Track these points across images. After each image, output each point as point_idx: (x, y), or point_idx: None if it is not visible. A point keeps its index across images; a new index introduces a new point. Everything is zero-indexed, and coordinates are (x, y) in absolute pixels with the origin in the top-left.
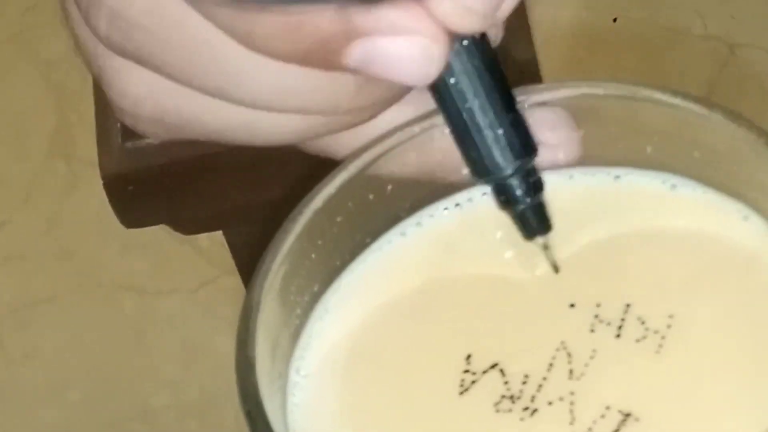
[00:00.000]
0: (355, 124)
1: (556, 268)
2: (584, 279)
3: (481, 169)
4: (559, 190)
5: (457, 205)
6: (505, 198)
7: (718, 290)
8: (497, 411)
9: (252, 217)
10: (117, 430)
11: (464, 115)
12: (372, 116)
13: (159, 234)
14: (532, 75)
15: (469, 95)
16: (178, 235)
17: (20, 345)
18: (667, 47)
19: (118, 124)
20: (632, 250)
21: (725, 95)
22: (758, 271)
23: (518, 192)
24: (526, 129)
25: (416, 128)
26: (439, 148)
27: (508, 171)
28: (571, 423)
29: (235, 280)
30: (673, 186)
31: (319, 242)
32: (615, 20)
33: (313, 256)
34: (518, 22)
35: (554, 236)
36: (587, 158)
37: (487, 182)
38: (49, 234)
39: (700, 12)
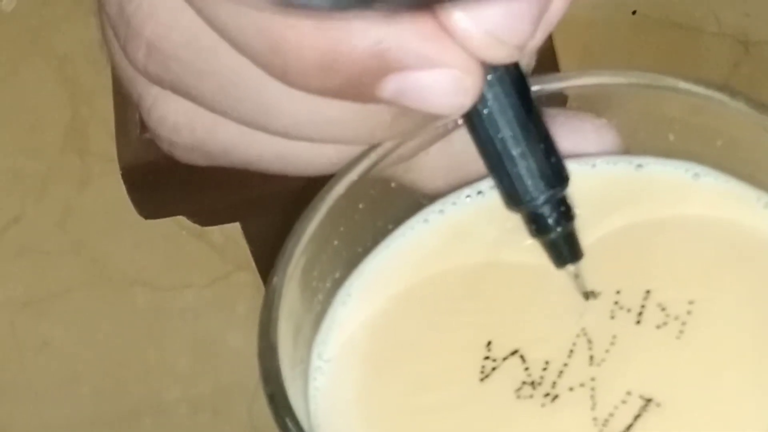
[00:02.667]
0: None
1: (586, 296)
2: (605, 266)
3: (514, 198)
4: (582, 178)
5: (479, 192)
6: (536, 227)
7: (738, 277)
8: (518, 397)
9: (270, 208)
10: (129, 423)
11: (497, 144)
12: (407, 139)
13: (172, 229)
14: (550, 66)
15: (502, 125)
16: (191, 230)
17: (33, 338)
18: (681, 45)
19: (137, 116)
20: (653, 237)
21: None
22: None
23: (550, 221)
24: (559, 158)
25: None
26: (461, 146)
27: (540, 200)
28: (593, 408)
29: (248, 276)
30: (696, 175)
31: (342, 228)
32: (634, 13)
33: (335, 242)
34: None
35: (577, 224)
36: (622, 145)
37: (519, 211)
38: (62, 228)
39: (714, 10)
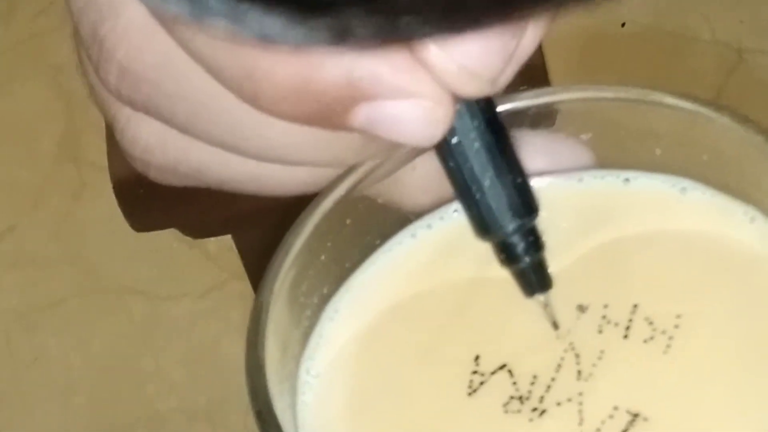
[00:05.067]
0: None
1: (555, 326)
2: (592, 280)
3: (482, 228)
4: (569, 192)
5: None
6: (505, 256)
7: (725, 291)
8: (506, 412)
9: (261, 220)
10: None
11: (465, 174)
12: (381, 160)
13: (167, 238)
14: (540, 80)
15: (470, 155)
16: (186, 239)
17: (28, 349)
18: (675, 52)
19: None
20: (640, 251)
21: (733, 100)
22: (764, 271)
23: (518, 250)
24: (528, 188)
25: None
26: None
27: (509, 230)
28: (580, 423)
29: (243, 285)
30: (683, 189)
31: (329, 244)
32: (623, 25)
33: (322, 257)
34: None
35: (564, 237)
36: (597, 161)
37: (488, 240)
38: (57, 238)
39: (708, 17)
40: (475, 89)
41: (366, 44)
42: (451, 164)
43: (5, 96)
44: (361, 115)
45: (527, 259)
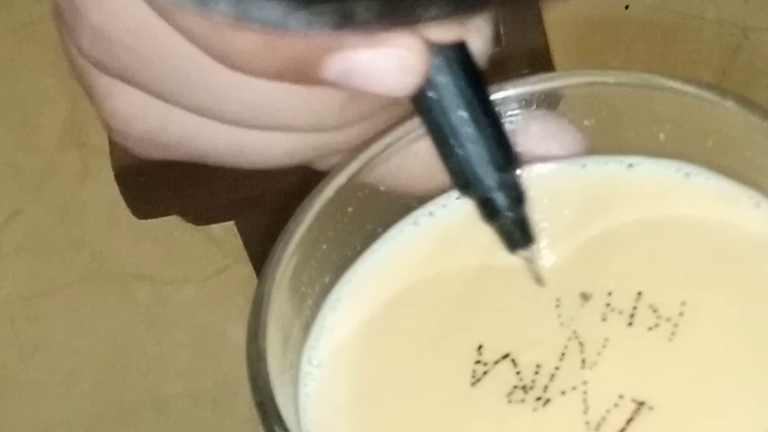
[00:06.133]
0: (345, 146)
1: (539, 281)
2: (595, 268)
3: (463, 182)
4: (573, 178)
5: None
6: (487, 211)
7: (730, 277)
8: (510, 401)
9: (263, 206)
10: (130, 418)
11: (444, 128)
12: (361, 137)
13: (172, 223)
14: (544, 63)
15: (449, 108)
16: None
17: (33, 334)
18: (680, 32)
19: None
20: (644, 238)
21: (738, 79)
22: None
23: (500, 205)
24: (508, 142)
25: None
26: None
27: (489, 184)
28: (585, 412)
29: (248, 269)
30: (687, 174)
31: (330, 233)
32: (627, 7)
33: (324, 246)
34: (530, 10)
35: (567, 224)
36: (600, 147)
37: (469, 195)
38: (61, 223)
39: None
40: (447, 33)
41: (369, 28)
42: (430, 119)
43: (8, 81)
44: (334, 66)
45: (509, 214)
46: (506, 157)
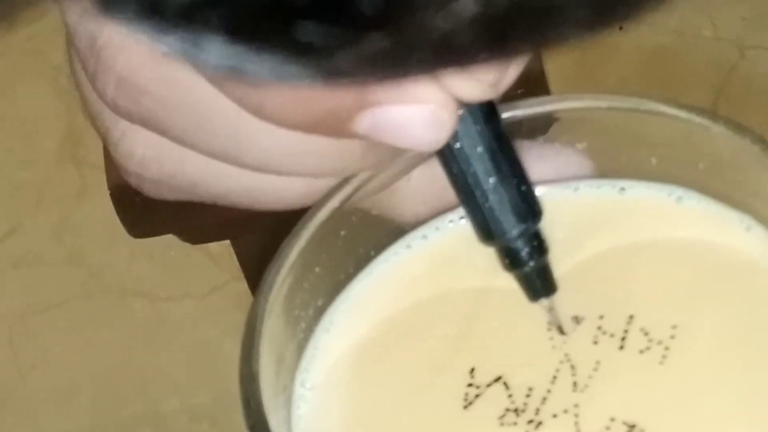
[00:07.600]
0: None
1: (561, 331)
2: (587, 291)
3: (486, 233)
4: (565, 202)
5: (462, 217)
6: (509, 261)
7: (721, 300)
8: (502, 424)
9: (259, 226)
10: None
11: (469, 178)
12: (380, 170)
13: (169, 239)
14: (539, 86)
15: (474, 159)
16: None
17: (30, 350)
18: (676, 50)
19: None
20: (636, 261)
21: (735, 97)
22: (760, 280)
23: (522, 255)
24: (531, 192)
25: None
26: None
27: (512, 235)
28: None
29: (246, 286)
30: (679, 198)
31: (324, 256)
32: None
33: (317, 269)
34: None
35: (560, 247)
36: (593, 170)
37: (492, 245)
38: (59, 239)
39: (710, 14)
40: (477, 93)
41: (359, 82)
42: (455, 169)
43: (6, 97)
44: (365, 121)
45: (532, 264)
46: (530, 207)
